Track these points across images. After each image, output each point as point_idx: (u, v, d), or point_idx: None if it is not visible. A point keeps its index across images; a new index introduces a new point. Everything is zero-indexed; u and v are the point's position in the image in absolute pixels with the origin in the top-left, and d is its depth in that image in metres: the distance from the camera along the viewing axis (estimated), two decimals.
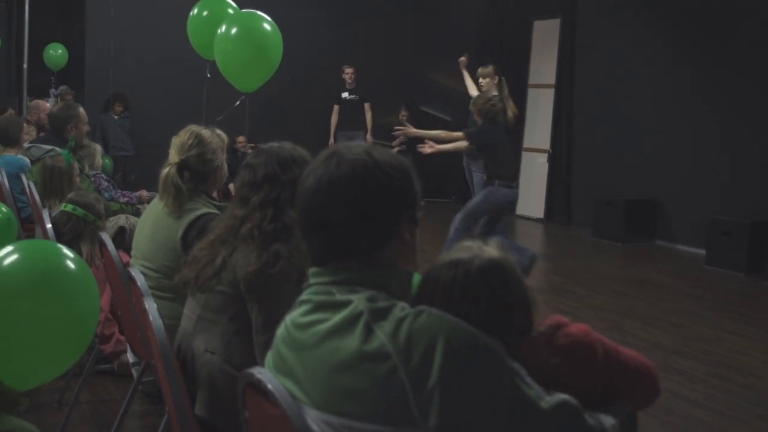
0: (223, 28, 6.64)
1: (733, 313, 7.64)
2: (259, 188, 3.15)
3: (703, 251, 10.04)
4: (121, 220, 5.86)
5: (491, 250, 2.06)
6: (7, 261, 2.92)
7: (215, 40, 6.69)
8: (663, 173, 11.21)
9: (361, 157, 1.91)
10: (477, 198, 8.33)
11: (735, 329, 7.05)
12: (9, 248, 2.99)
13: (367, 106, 13.29)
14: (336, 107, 13.39)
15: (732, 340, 6.72)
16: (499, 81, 9.28)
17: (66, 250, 3.12)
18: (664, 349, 6.38)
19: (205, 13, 7.74)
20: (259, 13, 6.76)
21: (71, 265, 3.02)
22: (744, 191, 9.97)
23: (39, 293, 2.87)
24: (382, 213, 1.90)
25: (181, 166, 3.88)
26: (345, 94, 13.32)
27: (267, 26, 6.62)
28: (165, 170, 3.86)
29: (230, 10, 7.70)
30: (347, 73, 13.28)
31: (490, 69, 9.43)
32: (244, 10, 6.85)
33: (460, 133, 8.29)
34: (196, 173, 3.92)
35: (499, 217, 8.26)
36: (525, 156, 13.57)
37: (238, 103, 7.28)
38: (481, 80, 9.43)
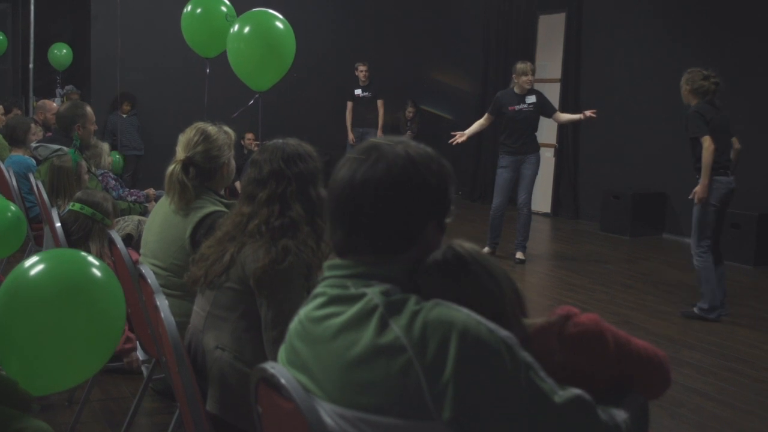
0: (236, 27, 6.62)
1: (743, 306, 7.62)
2: (265, 184, 3.16)
3: None
4: (130, 227, 5.87)
5: (463, 242, 2.05)
6: (35, 271, 2.93)
7: (228, 39, 6.67)
8: (670, 166, 11.19)
9: (400, 159, 1.88)
10: (695, 209, 7.01)
11: (745, 322, 7.03)
12: (36, 258, 3.01)
13: (380, 103, 13.31)
14: (350, 104, 13.41)
15: (742, 333, 6.70)
16: None
17: (92, 258, 3.13)
18: (674, 342, 6.37)
19: (198, 10, 7.73)
20: (272, 11, 6.73)
21: (98, 273, 3.03)
22: (752, 184, 9.93)
23: (66, 302, 2.88)
24: (411, 218, 1.88)
25: (187, 163, 3.88)
26: (358, 91, 13.34)
27: (279, 25, 6.60)
28: (170, 167, 3.87)
29: (223, 8, 7.68)
30: (360, 71, 13.30)
31: (532, 65, 9.31)
32: (255, 9, 6.83)
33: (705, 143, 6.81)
34: (202, 170, 3.92)
35: (724, 216, 7.16)
36: None
37: (252, 102, 7.26)
38: (529, 77, 9.13)
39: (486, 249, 9.00)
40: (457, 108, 14.87)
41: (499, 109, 9.20)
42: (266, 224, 3.06)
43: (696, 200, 6.91)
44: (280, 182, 3.14)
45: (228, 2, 7.77)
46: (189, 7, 7.78)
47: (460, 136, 9.10)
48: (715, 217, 6.93)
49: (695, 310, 7.06)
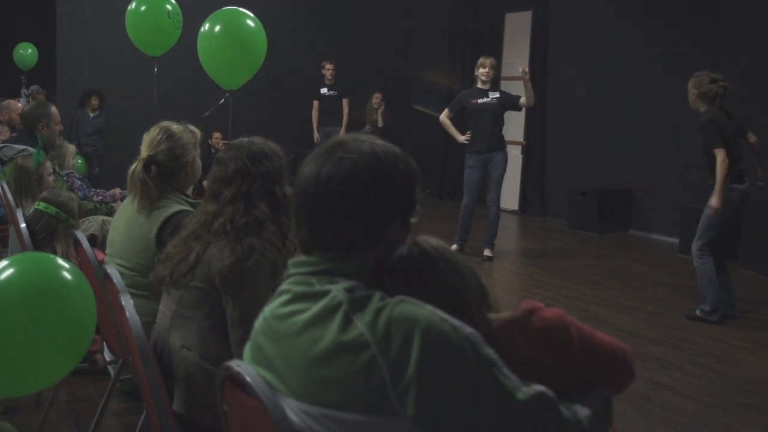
0: (207, 25, 6.58)
1: None
2: (230, 183, 3.16)
3: (676, 240, 10.13)
4: (94, 227, 5.83)
5: (429, 238, 2.06)
6: (4, 275, 2.91)
7: (198, 37, 6.63)
8: (636, 163, 11.28)
9: (365, 156, 1.88)
10: (704, 213, 6.89)
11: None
12: (5, 262, 2.98)
13: (345, 102, 13.33)
14: (316, 103, 13.41)
15: (708, 328, 6.76)
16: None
17: (62, 261, 3.11)
18: (641, 338, 6.42)
19: (143, 8, 7.67)
20: (242, 9, 6.71)
21: (68, 276, 3.01)
22: None
23: (36, 306, 2.85)
24: (375, 216, 1.88)
25: (149, 162, 3.85)
26: (324, 90, 13.35)
27: (250, 23, 6.58)
28: (132, 166, 3.85)
29: (168, 6, 7.64)
30: (327, 69, 13.31)
31: (494, 60, 9.40)
32: (226, 8, 6.79)
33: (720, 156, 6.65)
34: (166, 169, 3.89)
35: (739, 220, 7.09)
36: None
37: (222, 101, 7.23)
38: (487, 69, 9.25)
39: (454, 246, 9.03)
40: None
41: (462, 107, 9.27)
42: (231, 223, 3.06)
43: (712, 212, 6.75)
44: (245, 180, 3.14)
45: (174, 0, 7.73)
46: (133, 5, 7.70)
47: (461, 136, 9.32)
48: (720, 221, 6.80)
49: (697, 312, 7.00)
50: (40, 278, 2.96)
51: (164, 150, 3.88)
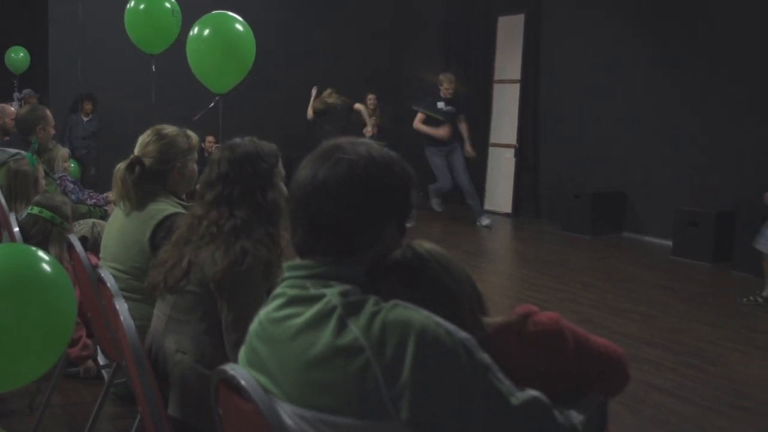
0: (196, 29, 6.59)
1: (702, 302, 7.70)
2: (213, 186, 3.15)
3: (670, 242, 10.13)
4: (84, 229, 5.82)
5: (423, 242, 2.06)
6: None
7: (188, 41, 6.64)
8: (630, 166, 11.29)
9: (362, 161, 1.88)
10: None
11: (703, 319, 7.11)
12: None
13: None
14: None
15: (701, 330, 6.77)
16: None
17: (41, 253, 3.09)
18: (634, 340, 6.42)
19: (142, 6, 7.70)
20: (231, 13, 6.71)
21: (47, 267, 2.99)
22: (709, 182, 10.06)
23: (15, 297, 2.83)
24: (370, 219, 1.89)
25: (134, 162, 3.84)
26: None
27: (239, 27, 6.59)
28: (117, 166, 3.84)
29: (167, 4, 7.67)
30: (370, 100, 13.14)
31: None
32: (215, 12, 6.80)
33: None
34: (152, 171, 3.87)
35: None
36: (492, 151, 13.62)
37: (212, 104, 7.23)
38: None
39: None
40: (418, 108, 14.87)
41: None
42: (216, 226, 3.05)
43: None
44: (227, 185, 3.12)
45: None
46: (132, 3, 7.74)
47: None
48: None
49: (759, 299, 7.40)
50: (18, 268, 2.94)
51: (151, 152, 3.87)
